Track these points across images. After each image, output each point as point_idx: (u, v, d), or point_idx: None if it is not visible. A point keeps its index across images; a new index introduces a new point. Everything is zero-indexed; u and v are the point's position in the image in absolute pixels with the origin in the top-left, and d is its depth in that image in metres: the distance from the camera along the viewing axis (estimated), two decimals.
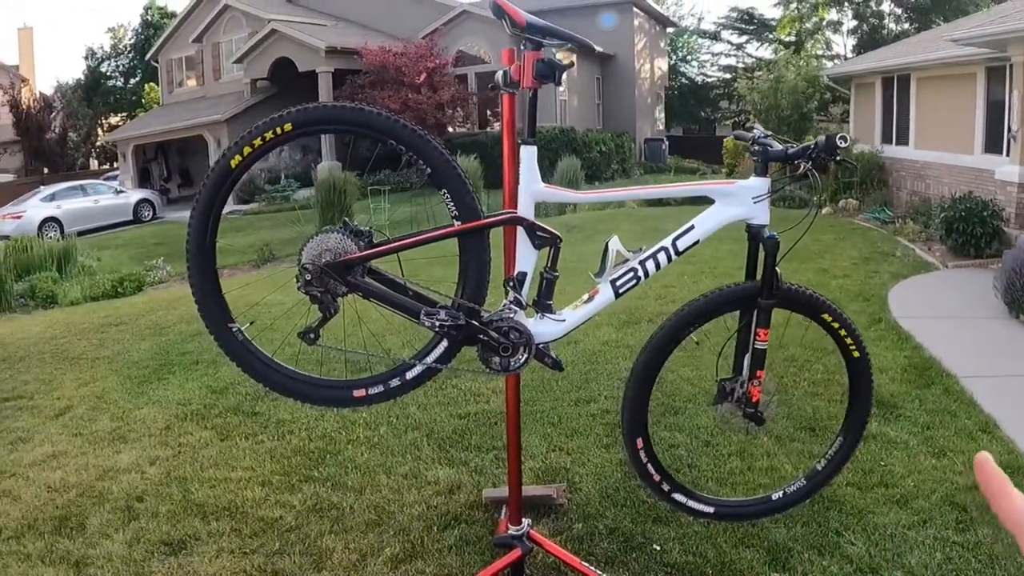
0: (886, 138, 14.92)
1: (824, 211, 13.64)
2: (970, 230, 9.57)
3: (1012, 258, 7.02)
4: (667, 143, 29.28)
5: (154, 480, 4.22)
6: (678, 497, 2.74)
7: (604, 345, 5.97)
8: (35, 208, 22.52)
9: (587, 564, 3.01)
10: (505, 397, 2.86)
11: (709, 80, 40.31)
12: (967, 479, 3.77)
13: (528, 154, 2.39)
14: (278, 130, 2.29)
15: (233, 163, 2.31)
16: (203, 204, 2.34)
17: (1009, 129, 10.10)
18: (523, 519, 2.98)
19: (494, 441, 4.38)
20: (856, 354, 2.70)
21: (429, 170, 2.32)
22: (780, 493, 2.85)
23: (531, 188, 2.41)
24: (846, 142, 2.39)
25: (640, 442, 2.65)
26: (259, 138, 2.30)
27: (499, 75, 2.45)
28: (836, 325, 2.64)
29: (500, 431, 4.43)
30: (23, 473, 4.44)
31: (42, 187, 25.16)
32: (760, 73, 22.71)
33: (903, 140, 14.07)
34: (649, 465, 2.68)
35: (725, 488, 3.73)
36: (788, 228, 2.56)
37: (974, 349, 6.02)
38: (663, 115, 33.47)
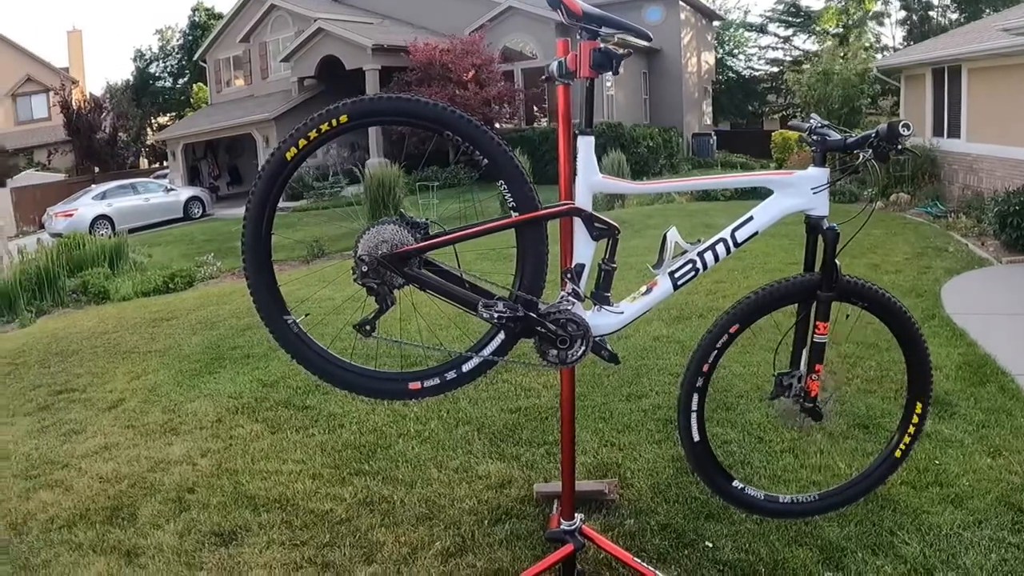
0: (937, 131, 14.65)
1: (876, 206, 13.43)
2: None
3: None
4: (715, 138, 29.04)
5: (205, 472, 4.26)
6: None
7: (655, 341, 5.93)
8: (87, 206, 22.96)
9: (639, 560, 2.98)
10: (560, 391, 2.84)
11: (756, 73, 39.99)
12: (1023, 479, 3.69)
13: (585, 144, 2.37)
14: (333, 122, 2.29)
15: (288, 155, 2.32)
16: (259, 197, 2.35)
17: None
18: (575, 514, 2.96)
19: (545, 436, 4.36)
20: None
21: (486, 161, 2.31)
22: None
23: (589, 179, 2.38)
24: (909, 130, 2.33)
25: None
26: (315, 130, 2.30)
27: (553, 66, 2.43)
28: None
29: (551, 426, 4.41)
30: (76, 464, 4.51)
31: (93, 186, 25.66)
32: (807, 66, 22.45)
33: (955, 133, 13.80)
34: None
35: (778, 485, 3.68)
36: (843, 222, 2.51)
37: None
38: (710, 109, 33.22)
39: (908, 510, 3.46)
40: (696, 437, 2.63)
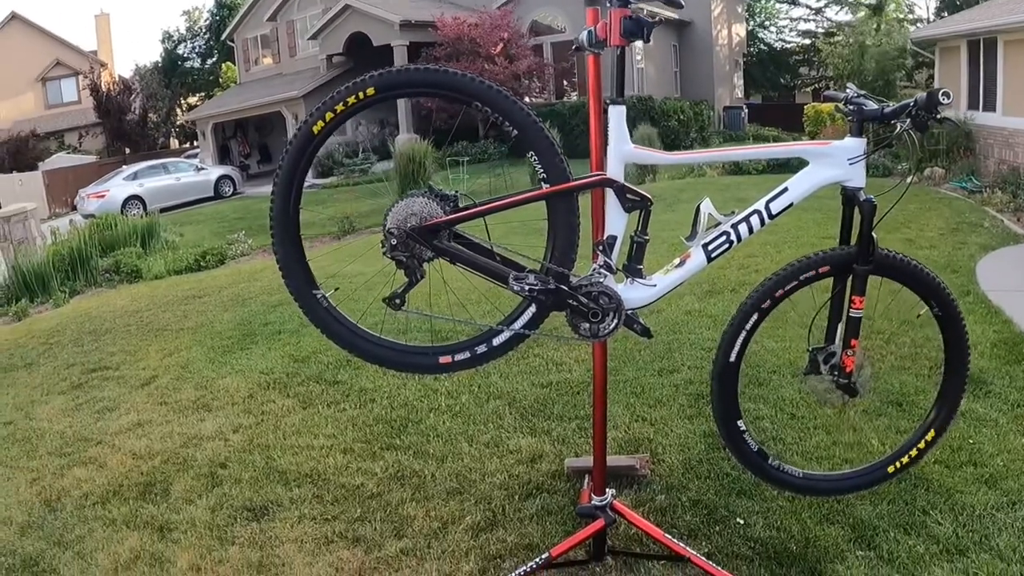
0: (972, 104, 14.38)
1: (908, 179, 13.22)
2: None
3: None
4: (746, 111, 28.71)
5: (237, 447, 4.30)
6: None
7: (687, 315, 5.88)
8: (118, 187, 23.15)
9: (670, 536, 2.95)
10: (592, 365, 2.82)
11: (788, 46, 39.50)
12: None
13: (617, 114, 2.33)
14: (360, 95, 2.27)
15: (316, 129, 2.31)
16: (286, 171, 2.34)
17: None
18: (607, 489, 2.94)
19: (576, 411, 4.34)
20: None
21: (515, 132, 2.28)
22: None
23: (620, 149, 2.35)
24: (949, 98, 2.27)
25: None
26: (341, 103, 2.28)
27: (583, 36, 2.40)
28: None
29: (583, 401, 4.40)
30: (109, 441, 4.57)
31: (124, 167, 25.84)
32: (840, 38, 22.13)
33: (990, 107, 13.54)
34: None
35: (811, 462, 3.64)
36: (879, 195, 2.46)
37: None
38: (742, 82, 32.85)
39: (941, 489, 3.41)
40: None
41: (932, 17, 32.15)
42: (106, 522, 3.65)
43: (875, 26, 20.52)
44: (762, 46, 38.98)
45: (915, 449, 2.76)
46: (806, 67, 38.19)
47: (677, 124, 23.55)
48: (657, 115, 22.66)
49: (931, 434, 2.77)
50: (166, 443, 4.45)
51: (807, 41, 37.34)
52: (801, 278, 2.47)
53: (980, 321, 5.58)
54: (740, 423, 2.61)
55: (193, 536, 3.45)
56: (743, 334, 2.51)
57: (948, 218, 9.80)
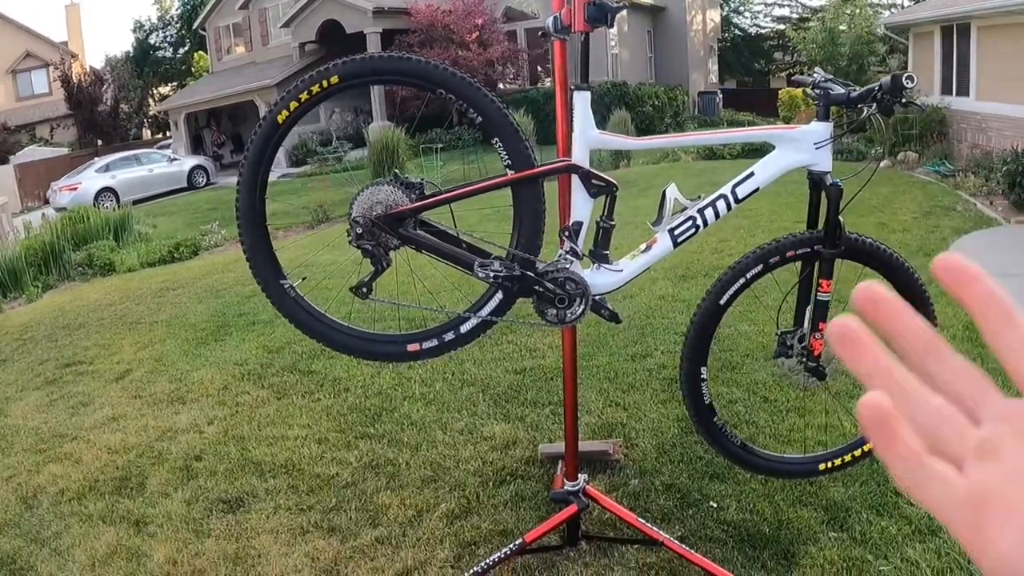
0: (946, 89, 14.46)
1: (883, 164, 13.31)
2: None
3: None
4: (721, 96, 28.75)
5: (212, 439, 4.28)
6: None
7: (660, 300, 5.91)
8: (90, 179, 22.88)
9: (643, 520, 2.97)
10: (562, 351, 2.82)
11: (762, 31, 39.58)
12: None
13: (582, 100, 2.33)
14: (325, 83, 2.25)
15: (280, 118, 2.29)
16: (252, 161, 2.32)
17: None
18: (579, 474, 2.95)
19: (550, 396, 4.36)
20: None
21: (480, 119, 2.27)
22: None
23: (586, 135, 2.34)
24: (913, 82, 2.28)
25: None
26: (305, 92, 2.26)
27: (549, 22, 2.39)
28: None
29: (556, 387, 4.40)
30: (84, 436, 4.54)
31: (96, 159, 25.54)
32: (814, 24, 22.20)
33: (964, 92, 13.63)
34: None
35: (784, 445, 3.67)
36: (848, 177, 2.46)
37: None
38: (716, 68, 32.90)
39: None
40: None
41: (906, 2, 32.32)
42: (82, 518, 3.63)
43: (849, 12, 20.57)
44: (736, 31, 39.04)
45: (850, 455, 2.76)
46: (780, 52, 38.28)
47: (652, 109, 23.58)
48: (632, 100, 22.68)
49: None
50: (141, 437, 4.42)
51: (781, 26, 37.42)
52: (770, 262, 2.48)
53: (952, 304, 5.57)
54: (704, 370, 2.61)
55: (169, 529, 3.44)
56: (741, 281, 2.51)
57: (921, 202, 9.87)
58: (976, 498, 0.37)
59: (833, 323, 0.42)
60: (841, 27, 18.85)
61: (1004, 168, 9.76)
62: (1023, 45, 11.46)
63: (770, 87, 35.16)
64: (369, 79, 2.33)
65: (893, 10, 30.76)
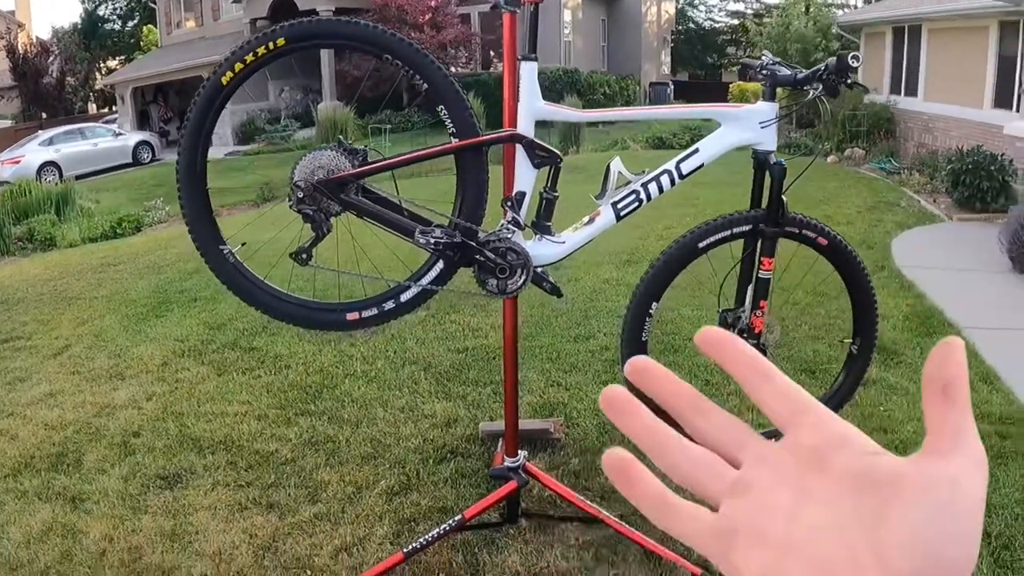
0: (895, 89, 14.72)
1: (830, 159, 13.50)
2: (977, 183, 9.44)
3: (1019, 214, 6.94)
4: (672, 87, 29.00)
5: (151, 416, 4.20)
6: None
7: (604, 283, 5.93)
8: (33, 153, 22.33)
9: (582, 498, 2.98)
10: (503, 327, 2.81)
11: (717, 25, 39.97)
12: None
13: (528, 70, 2.31)
14: (271, 45, 2.20)
15: (224, 80, 2.23)
16: (194, 123, 2.27)
17: (1020, 84, 9.98)
18: (519, 451, 2.94)
19: (492, 376, 4.36)
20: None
21: (425, 86, 2.24)
22: None
23: (531, 106, 2.33)
24: (859, 61, 2.29)
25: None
26: (251, 53, 2.21)
27: None
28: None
29: (498, 366, 4.40)
30: (21, 412, 4.43)
31: (40, 132, 24.96)
32: (769, 20, 22.44)
33: (912, 92, 13.88)
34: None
35: None
36: (789, 157, 2.48)
37: (977, 301, 5.97)
38: (669, 59, 33.17)
39: None
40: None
41: (859, 3, 32.80)
42: (17, 495, 3.54)
43: (804, 9, 20.80)
44: (691, 24, 39.38)
45: None
46: (733, 47, 38.70)
47: (603, 97, 23.74)
48: (583, 88, 22.85)
49: None
50: (79, 413, 4.32)
51: (736, 22, 37.82)
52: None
53: (894, 295, 5.74)
54: (654, 306, 2.59)
55: (106, 506, 3.36)
56: (726, 233, 2.50)
57: (866, 197, 10.05)
58: (725, 531, 0.41)
59: (604, 391, 0.46)
60: (794, 24, 19.04)
61: (949, 167, 9.96)
62: (971, 49, 11.71)
63: (721, 81, 35.52)
64: (316, 42, 2.29)
65: (846, 10, 31.24)
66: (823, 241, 2.55)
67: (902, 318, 5.26)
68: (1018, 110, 10.02)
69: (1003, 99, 10.78)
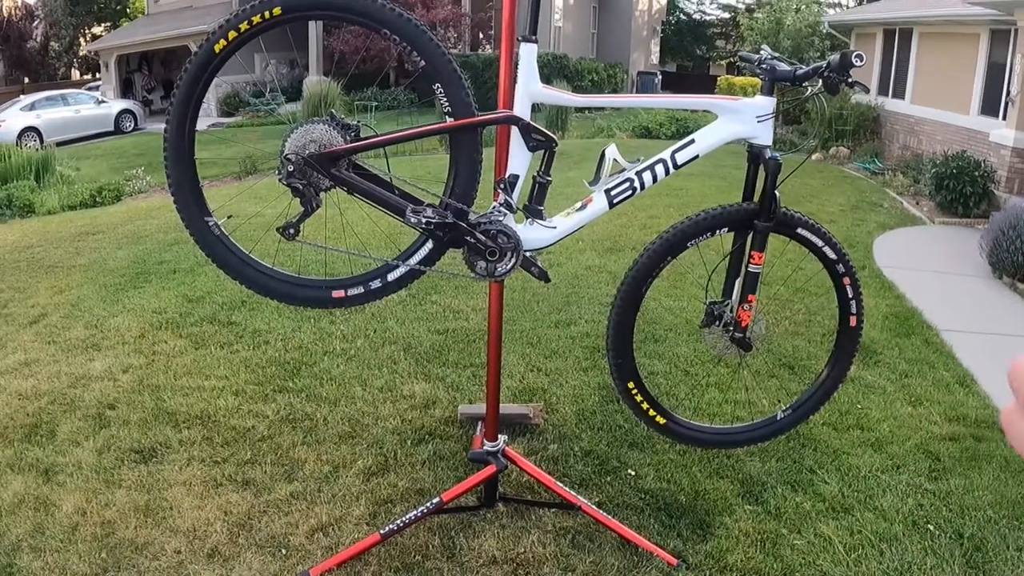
0: (883, 90, 14.79)
1: (814, 157, 13.56)
2: (960, 188, 9.54)
3: (1000, 220, 7.02)
4: (660, 77, 29.05)
5: (126, 388, 4.15)
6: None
7: (587, 270, 5.94)
8: (14, 117, 22.05)
9: (561, 484, 2.97)
10: (488, 313, 2.79)
11: (707, 18, 40.05)
12: (942, 429, 3.78)
13: (528, 52, 2.28)
14: (267, 14, 2.16)
15: (217, 47, 2.19)
16: (184, 90, 2.23)
17: (1007, 93, 10.04)
18: (499, 436, 2.93)
19: (472, 358, 4.34)
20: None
21: (422, 63, 2.21)
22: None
23: (529, 88, 2.30)
24: (862, 61, 2.28)
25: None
26: (246, 22, 2.17)
27: None
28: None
29: (478, 349, 4.39)
30: None
31: (22, 96, 24.64)
32: (760, 14, 22.44)
33: (900, 94, 13.96)
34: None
35: (703, 418, 3.71)
36: (784, 153, 2.47)
37: (956, 304, 6.03)
38: (658, 49, 33.19)
39: (828, 450, 3.53)
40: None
41: (852, 4, 32.87)
42: None
43: (795, 7, 20.81)
44: (682, 16, 39.41)
45: None
46: (723, 40, 38.78)
47: (590, 84, 23.87)
48: (571, 74, 22.96)
49: None
50: (53, 383, 4.26)
51: (727, 15, 37.84)
52: (708, 233, 2.48)
53: (874, 295, 5.77)
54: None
55: (79, 479, 3.31)
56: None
57: (850, 196, 10.11)
58: None
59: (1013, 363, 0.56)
60: (787, 20, 19.05)
61: (933, 170, 10.04)
62: (961, 55, 11.79)
63: (709, 73, 35.61)
64: (312, 13, 2.25)
65: (837, 9, 31.32)
66: (818, 243, 2.56)
67: (881, 318, 5.30)
68: (1004, 118, 10.09)
69: (990, 106, 10.88)
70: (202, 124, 20.98)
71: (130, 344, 4.75)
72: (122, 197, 11.88)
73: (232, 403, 3.92)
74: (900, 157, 13.12)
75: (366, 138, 2.25)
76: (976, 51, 11.34)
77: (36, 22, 36.05)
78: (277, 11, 2.16)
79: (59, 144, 18.26)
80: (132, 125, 24.88)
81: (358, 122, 2.27)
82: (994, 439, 3.71)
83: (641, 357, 4.29)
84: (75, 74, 39.93)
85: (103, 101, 25.08)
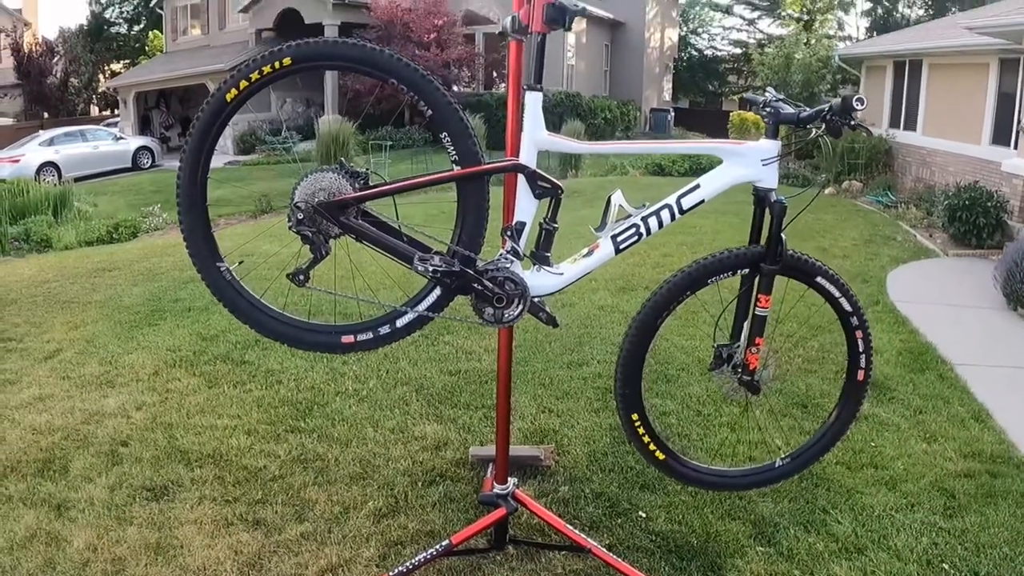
0: (894, 123, 14.82)
1: (827, 191, 13.56)
2: (973, 219, 9.51)
3: (1014, 251, 6.98)
4: (672, 114, 29.14)
5: (139, 425, 4.17)
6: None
7: (599, 310, 5.93)
8: (33, 152, 22.33)
9: (571, 527, 2.97)
10: (497, 353, 2.80)
11: (719, 54, 40.24)
12: (957, 465, 3.75)
13: (533, 100, 2.31)
14: (276, 64, 2.21)
15: (229, 97, 2.24)
16: (197, 138, 2.27)
17: (1018, 122, 10.05)
18: (509, 478, 2.93)
19: (484, 400, 4.34)
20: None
21: (430, 112, 2.24)
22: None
23: (534, 136, 2.33)
24: (863, 104, 2.30)
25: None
26: (257, 72, 2.22)
27: (507, 21, 2.37)
28: (838, 296, 2.58)
29: (490, 390, 4.39)
30: (9, 415, 4.39)
31: (41, 132, 24.96)
32: (771, 49, 22.59)
33: (911, 126, 13.98)
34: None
35: (715, 458, 3.69)
36: (790, 197, 2.48)
37: (970, 338, 5.98)
38: (670, 86, 33.30)
39: (842, 489, 3.50)
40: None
41: (861, 36, 33.05)
42: (2, 499, 3.49)
43: (805, 41, 20.98)
44: (693, 52, 39.62)
45: None
46: (735, 75, 38.94)
47: (603, 122, 23.94)
48: (584, 112, 23.02)
49: None
50: (67, 419, 4.29)
51: (738, 50, 38.06)
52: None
53: (888, 330, 5.75)
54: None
55: (91, 515, 3.33)
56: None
57: (863, 230, 10.08)
58: None
59: None
60: (797, 55, 19.21)
61: (945, 202, 10.01)
62: (971, 85, 11.81)
63: (722, 108, 35.71)
64: (321, 63, 2.29)
65: (848, 42, 31.47)
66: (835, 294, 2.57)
67: (895, 353, 5.27)
68: (1016, 147, 10.09)
69: (1001, 136, 10.89)
70: (219, 161, 21.24)
71: (144, 381, 4.78)
72: (138, 234, 12.00)
73: (244, 442, 3.93)
74: (913, 189, 13.11)
75: (375, 186, 2.28)
76: (985, 81, 11.38)
77: (56, 58, 36.62)
78: (287, 61, 2.20)
79: (77, 180, 18.50)
80: (150, 162, 25.15)
81: (367, 169, 2.30)
82: (1010, 475, 3.68)
83: (653, 397, 4.28)
84: (94, 110, 40.49)
85: (121, 138, 25.38)
